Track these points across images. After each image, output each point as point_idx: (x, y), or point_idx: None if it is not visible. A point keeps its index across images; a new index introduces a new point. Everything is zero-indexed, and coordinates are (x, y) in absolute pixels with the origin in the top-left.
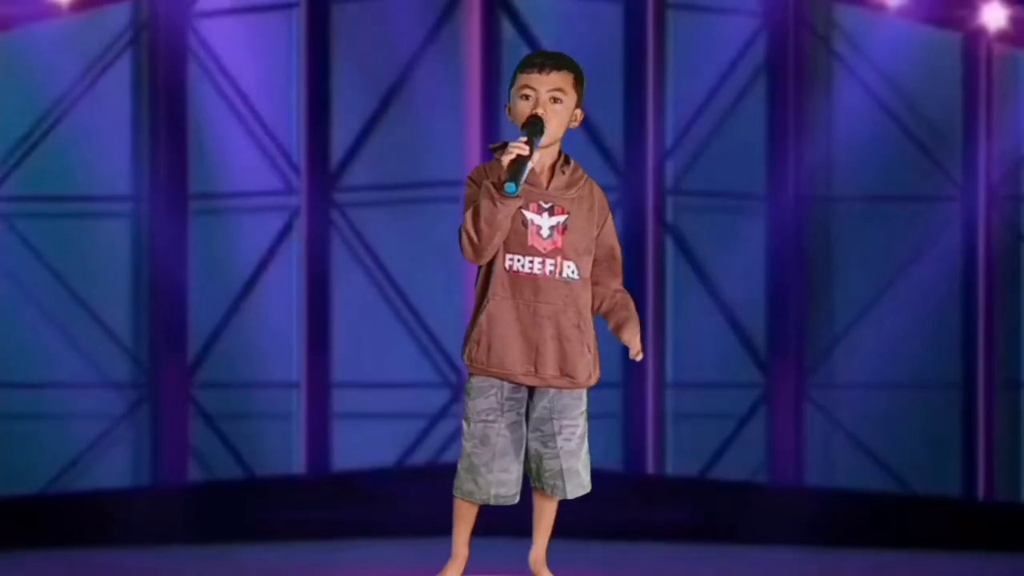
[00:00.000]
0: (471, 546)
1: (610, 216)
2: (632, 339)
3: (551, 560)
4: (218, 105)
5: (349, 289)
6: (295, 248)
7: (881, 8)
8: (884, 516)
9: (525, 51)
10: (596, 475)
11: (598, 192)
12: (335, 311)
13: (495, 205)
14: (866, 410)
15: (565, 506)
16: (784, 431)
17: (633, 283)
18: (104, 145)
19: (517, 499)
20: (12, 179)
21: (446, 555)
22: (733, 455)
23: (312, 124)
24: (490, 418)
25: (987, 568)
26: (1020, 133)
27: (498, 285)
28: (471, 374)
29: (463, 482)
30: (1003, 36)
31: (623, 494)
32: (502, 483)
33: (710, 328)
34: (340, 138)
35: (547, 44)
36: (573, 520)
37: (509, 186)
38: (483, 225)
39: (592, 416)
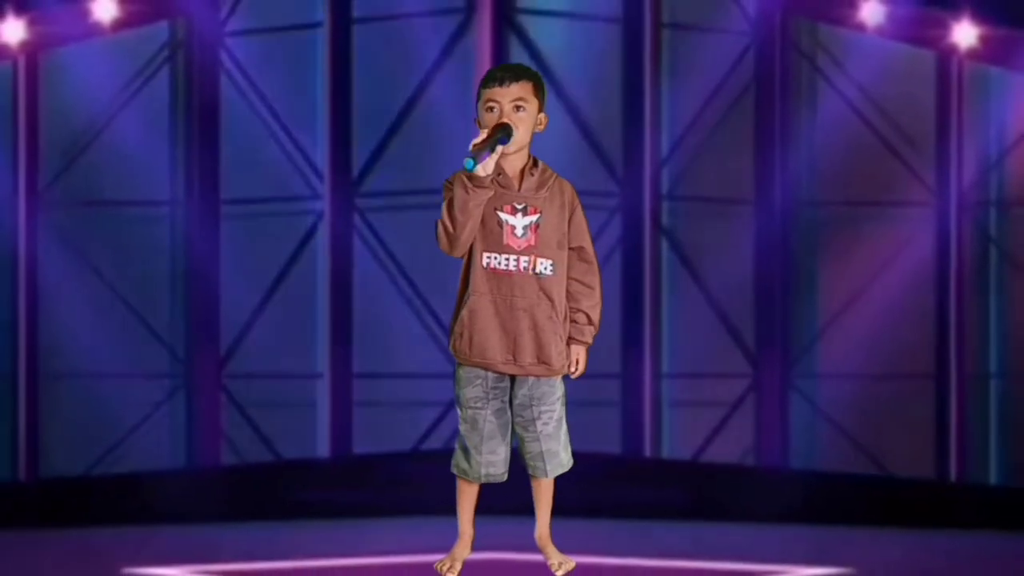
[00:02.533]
0: (475, 524)
1: (579, 210)
2: (576, 358)
3: (555, 536)
4: (248, 117)
5: (369, 287)
6: (319, 249)
7: (861, 28)
8: (863, 496)
9: (532, 66)
10: (597, 459)
11: (568, 188)
12: (356, 307)
13: (467, 193)
14: (847, 398)
15: (568, 487)
16: (770, 418)
17: (631, 282)
18: (143, 153)
19: (506, 477)
20: (59, 184)
21: (457, 533)
22: (723, 440)
23: (335, 134)
24: (478, 405)
25: (958, 544)
26: (989, 143)
27: (477, 282)
28: (458, 364)
29: (459, 460)
30: (973, 53)
31: (622, 476)
32: (491, 463)
33: (702, 323)
34: (361, 147)
35: (551, 60)
36: (576, 499)
37: (468, 162)
38: (457, 214)
39: (593, 404)
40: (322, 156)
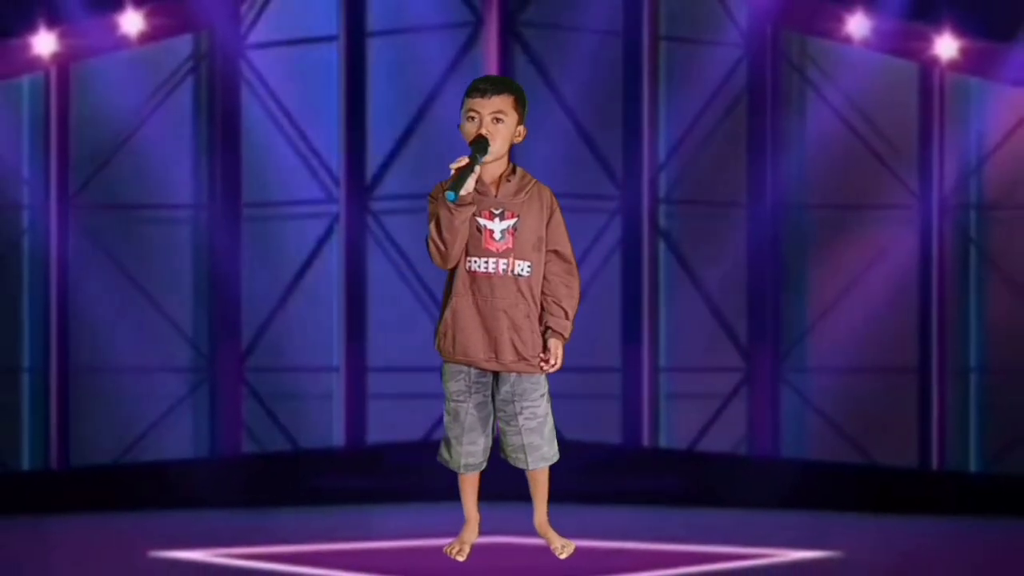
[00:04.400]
0: (480, 509)
1: (557, 213)
2: (554, 350)
3: (556, 522)
4: (268, 125)
5: (382, 286)
6: (335, 250)
7: (848, 41)
8: (850, 483)
9: (537, 77)
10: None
11: (546, 193)
12: (370, 305)
13: (451, 213)
14: (834, 391)
15: (570, 474)
16: (762, 409)
17: (630, 281)
18: (168, 159)
19: (484, 466)
20: (88, 189)
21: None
22: (718, 430)
23: (350, 141)
24: (460, 399)
25: (940, 528)
26: (969, 150)
27: (460, 284)
28: (444, 360)
29: (442, 451)
30: (954, 65)
31: (622, 464)
32: (470, 454)
33: (698, 319)
34: (375, 153)
35: (554, 70)
36: (578, 486)
37: (449, 194)
38: (444, 234)
39: (594, 396)
40: (337, 162)
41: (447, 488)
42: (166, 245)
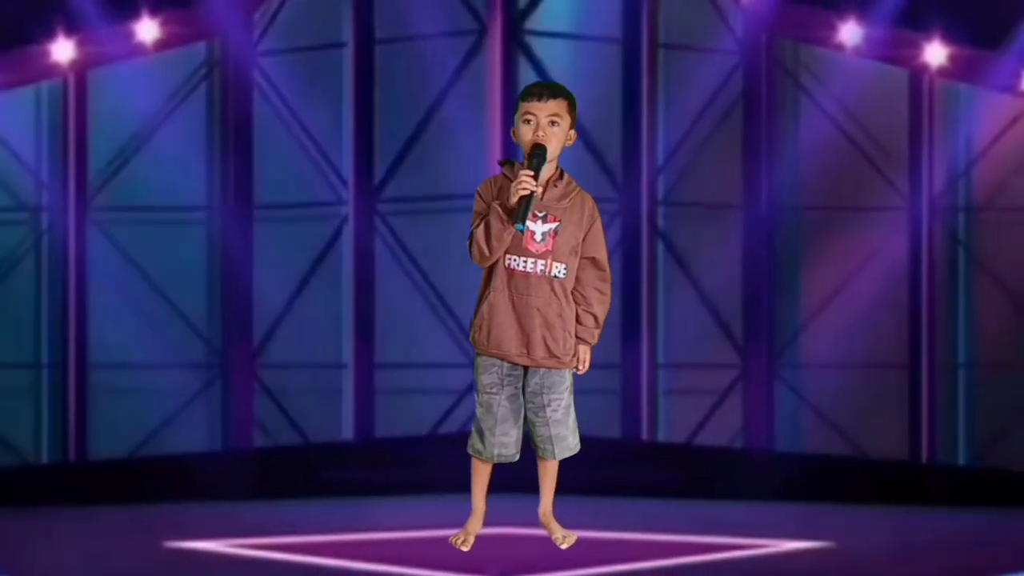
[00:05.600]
0: (488, 501)
1: (597, 222)
2: (584, 356)
3: (559, 513)
4: (278, 129)
5: (390, 285)
6: (344, 250)
7: (840, 48)
8: (842, 476)
9: (526, 85)
10: (598, 442)
11: (589, 202)
12: (378, 303)
13: (503, 226)
14: (827, 386)
15: (571, 467)
16: (757, 404)
17: (630, 280)
18: (183, 163)
19: (517, 457)
20: (105, 191)
21: (471, 510)
22: (714, 425)
23: (359, 145)
24: (493, 391)
25: (929, 519)
26: (958, 154)
27: (498, 280)
28: (477, 353)
29: (474, 441)
30: (943, 71)
31: (622, 457)
32: (503, 444)
33: (695, 317)
34: (382, 157)
35: (556, 78)
36: (579, 480)
37: (519, 225)
38: (494, 242)
39: (595, 392)
40: (347, 165)
41: (452, 481)
42: (180, 245)
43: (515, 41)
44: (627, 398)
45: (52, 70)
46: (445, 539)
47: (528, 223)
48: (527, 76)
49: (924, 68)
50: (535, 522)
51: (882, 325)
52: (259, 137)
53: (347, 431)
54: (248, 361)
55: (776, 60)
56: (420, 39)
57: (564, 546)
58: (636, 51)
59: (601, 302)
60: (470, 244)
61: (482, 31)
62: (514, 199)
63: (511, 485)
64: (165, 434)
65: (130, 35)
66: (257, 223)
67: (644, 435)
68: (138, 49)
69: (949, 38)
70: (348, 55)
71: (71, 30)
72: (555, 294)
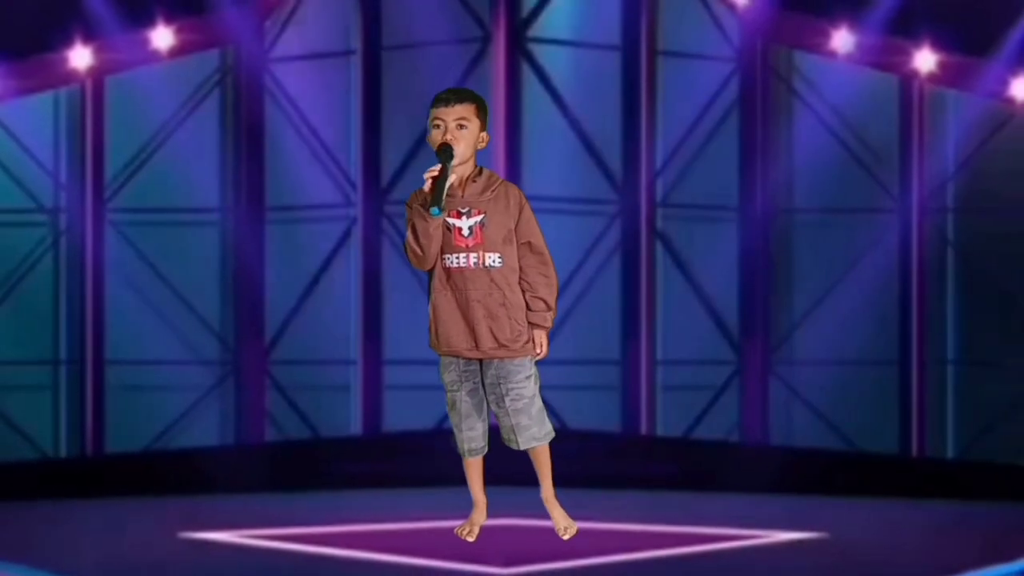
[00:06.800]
0: (487, 492)
1: (526, 208)
2: (540, 341)
3: (561, 505)
4: (290, 134)
5: (397, 284)
6: (353, 250)
7: (833, 55)
8: (835, 469)
9: (541, 90)
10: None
11: (514, 191)
12: (386, 302)
13: (426, 221)
14: (820, 382)
15: (572, 460)
16: (753, 399)
17: (630, 279)
18: (197, 166)
19: (486, 450)
20: (122, 194)
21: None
22: (711, 419)
23: (367, 149)
24: (454, 388)
25: (919, 511)
26: (947, 157)
27: (437, 280)
28: (439, 354)
29: (453, 439)
30: (932, 78)
31: (622, 451)
32: (471, 439)
33: (693, 316)
34: (390, 160)
35: (559, 83)
36: (580, 472)
37: (433, 209)
38: (421, 239)
39: (595, 388)
40: (355, 168)
41: (457, 473)
42: (194, 246)
43: (518, 48)
44: (627, 393)
45: (70, 76)
46: (451, 530)
47: (452, 220)
48: (530, 81)
49: (914, 74)
50: (538, 513)
51: (873, 322)
52: (270, 141)
53: (356, 425)
54: (260, 358)
55: (771, 67)
56: (426, 46)
57: (566, 537)
58: (635, 58)
59: (547, 285)
60: (406, 251)
61: (486, 38)
62: (426, 187)
63: (514, 478)
64: (179, 429)
65: (146, 42)
66: (268, 224)
67: (643, 429)
68: (153, 56)
69: (938, 45)
70: (356, 62)
71: (88, 38)
72: (495, 284)
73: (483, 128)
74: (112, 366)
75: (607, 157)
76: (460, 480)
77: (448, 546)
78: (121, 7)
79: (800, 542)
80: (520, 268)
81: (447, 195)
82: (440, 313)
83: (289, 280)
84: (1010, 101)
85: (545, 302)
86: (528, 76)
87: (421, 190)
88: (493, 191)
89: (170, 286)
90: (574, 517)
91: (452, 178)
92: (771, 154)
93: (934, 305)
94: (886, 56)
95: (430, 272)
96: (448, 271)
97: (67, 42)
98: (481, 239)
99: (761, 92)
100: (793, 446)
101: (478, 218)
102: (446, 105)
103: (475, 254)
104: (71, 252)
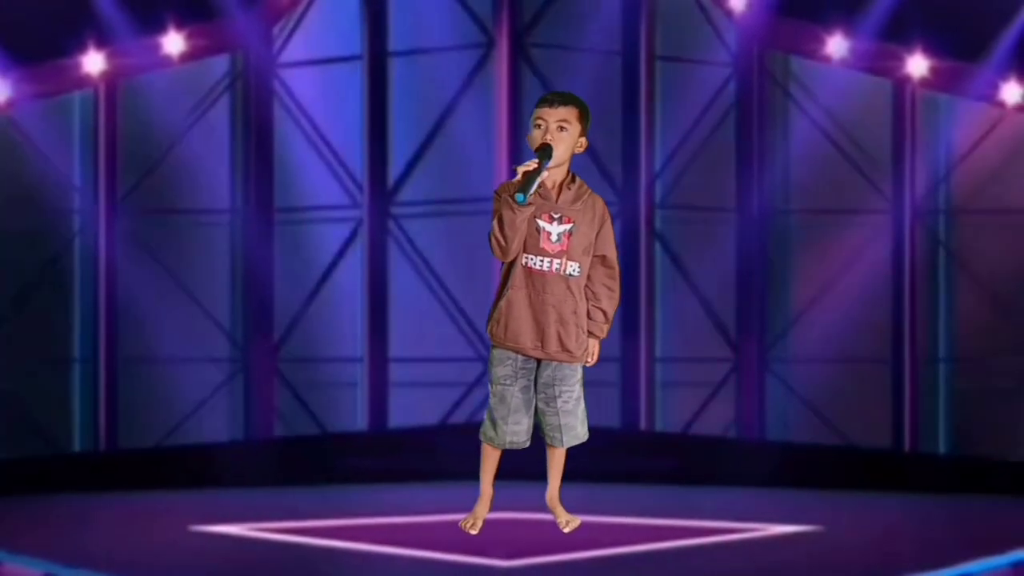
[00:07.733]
0: (495, 486)
1: (607, 223)
2: (592, 349)
3: (563, 498)
4: (297, 137)
5: (402, 283)
6: (359, 251)
7: (827, 60)
8: (830, 464)
9: (543, 93)
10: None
11: (600, 204)
12: (391, 301)
13: (513, 213)
14: (815, 379)
15: (574, 455)
16: (749, 396)
17: (629, 279)
18: (207, 169)
19: (528, 444)
20: (134, 195)
21: (478, 495)
22: (709, 415)
23: (373, 151)
24: (507, 382)
25: (912, 504)
26: (939, 160)
27: (517, 278)
28: (493, 346)
29: (487, 429)
30: (925, 82)
31: (621, 446)
32: (515, 433)
33: (690, 314)
34: (396, 162)
35: (559, 87)
36: (581, 467)
37: (518, 196)
38: (506, 230)
39: (595, 384)
40: (361, 170)
41: (461, 468)
42: (205, 246)
43: (521, 54)
44: (626, 390)
45: (84, 81)
46: (455, 523)
47: (543, 223)
48: (532, 85)
49: (907, 79)
50: (540, 508)
51: (867, 321)
52: (279, 144)
53: (362, 421)
54: (269, 355)
55: (767, 71)
56: (431, 52)
57: (567, 530)
58: (635, 63)
59: (610, 298)
60: (490, 239)
61: (490, 44)
62: (519, 177)
63: (517, 472)
64: (190, 425)
65: (157, 48)
66: (277, 225)
67: (642, 425)
68: (165, 61)
69: (930, 50)
70: (363, 66)
71: (102, 44)
72: (570, 292)
73: (583, 133)
74: (125, 363)
75: (607, 159)
76: (463, 475)
77: (452, 539)
78: (133, 14)
79: (796, 535)
80: (588, 277)
81: (537, 193)
82: (513, 309)
83: (297, 280)
84: (1001, 105)
85: (605, 314)
86: (530, 81)
87: (511, 181)
88: (583, 202)
89: (181, 285)
90: (575, 510)
91: (544, 175)
92: (767, 157)
93: (926, 304)
94: (879, 61)
95: (508, 268)
96: (529, 271)
97: (81, 48)
98: (567, 247)
99: (757, 96)
100: (789, 441)
101: (568, 226)
102: (550, 106)
103: (558, 260)
104: (84, 252)
